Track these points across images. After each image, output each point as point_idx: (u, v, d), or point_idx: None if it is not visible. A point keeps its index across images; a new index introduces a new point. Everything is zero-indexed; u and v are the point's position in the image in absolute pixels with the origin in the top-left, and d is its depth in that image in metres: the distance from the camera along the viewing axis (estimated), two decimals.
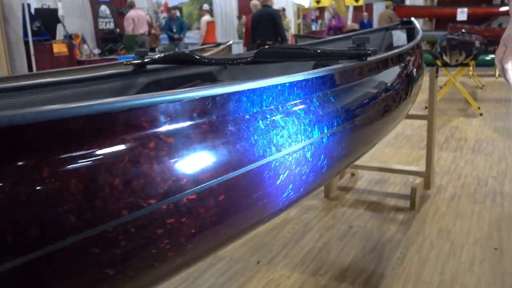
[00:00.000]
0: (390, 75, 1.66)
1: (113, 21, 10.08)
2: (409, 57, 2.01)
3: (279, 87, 0.84)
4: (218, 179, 0.69)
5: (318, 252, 2.09)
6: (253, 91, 0.78)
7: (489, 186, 2.82)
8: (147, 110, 0.62)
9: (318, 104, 0.95)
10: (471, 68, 6.54)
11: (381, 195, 2.75)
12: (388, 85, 1.61)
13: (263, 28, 6.65)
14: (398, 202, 2.63)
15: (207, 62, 1.43)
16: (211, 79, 1.86)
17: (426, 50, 6.70)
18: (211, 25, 10.30)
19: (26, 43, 6.01)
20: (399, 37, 3.02)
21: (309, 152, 0.91)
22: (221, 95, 0.75)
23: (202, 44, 10.01)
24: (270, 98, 0.81)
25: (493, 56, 8.14)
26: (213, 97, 0.72)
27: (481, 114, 4.93)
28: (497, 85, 7.18)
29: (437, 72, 2.57)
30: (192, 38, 12.41)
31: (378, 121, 1.44)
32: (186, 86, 1.73)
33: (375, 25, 12.68)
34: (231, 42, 4.04)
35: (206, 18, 10.20)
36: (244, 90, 0.76)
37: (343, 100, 1.08)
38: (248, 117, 0.77)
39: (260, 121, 0.79)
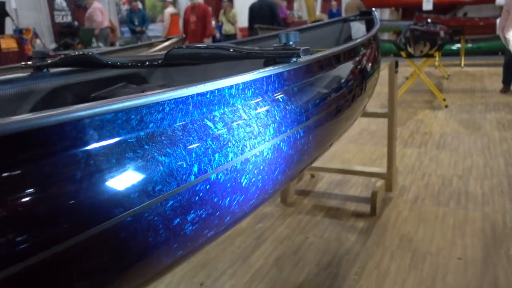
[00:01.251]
0: (339, 72, 1.49)
1: (70, 14, 9.63)
2: (362, 51, 1.84)
3: (193, 98, 0.67)
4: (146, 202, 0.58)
5: (269, 269, 1.89)
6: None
7: (453, 186, 2.68)
8: (61, 128, 0.51)
9: (243, 114, 0.78)
10: (437, 58, 6.46)
11: (341, 198, 2.58)
12: (337, 83, 1.44)
13: (262, 18, 7.24)
14: (359, 206, 2.46)
15: (110, 65, 1.21)
16: (138, 82, 1.63)
17: (390, 40, 6.58)
18: (175, 17, 9.97)
19: None
20: (358, 28, 2.84)
21: (248, 167, 0.78)
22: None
23: (165, 37, 9.69)
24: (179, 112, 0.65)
25: (459, 45, 8.12)
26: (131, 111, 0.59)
27: (446, 106, 4.83)
28: (463, 75, 7.15)
29: (396, 66, 2.39)
30: (156, 30, 12.03)
31: (328, 123, 1.28)
32: (106, 91, 1.50)
33: (345, 14, 12.56)
34: (182, 36, 3.78)
35: (170, 10, 9.86)
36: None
37: (280, 106, 0.89)
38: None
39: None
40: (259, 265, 1.92)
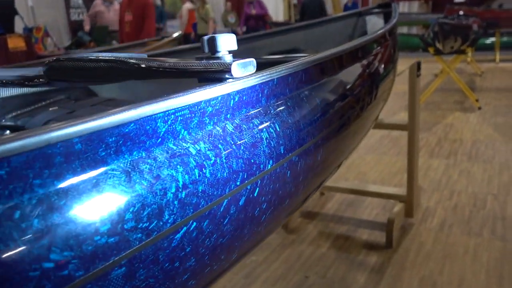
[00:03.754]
0: (340, 79, 1.17)
1: (86, 11, 9.46)
2: (373, 51, 1.48)
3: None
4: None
5: None
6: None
7: (487, 208, 2.27)
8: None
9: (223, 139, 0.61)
10: (469, 53, 5.95)
11: (353, 224, 2.20)
12: (338, 94, 1.13)
13: (312, 13, 8.07)
14: (373, 235, 2.08)
15: None
16: (84, 95, 1.30)
17: (417, 35, 6.12)
18: (193, 13, 9.69)
19: None
20: (375, 23, 2.44)
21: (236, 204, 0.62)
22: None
23: (184, 34, 9.41)
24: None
25: (493, 39, 7.53)
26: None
27: (479, 108, 4.36)
28: (498, 71, 6.60)
29: (419, 68, 2.00)
30: (176, 27, 11.80)
31: (330, 143, 1.03)
32: (36, 108, 1.18)
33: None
34: (178, 33, 3.45)
35: (188, 5, 9.60)
36: None
37: (268, 130, 0.70)
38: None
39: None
40: None
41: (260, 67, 1.71)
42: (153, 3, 4.91)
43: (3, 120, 1.08)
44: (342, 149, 1.31)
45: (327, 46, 2.30)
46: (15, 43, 5.82)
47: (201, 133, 0.55)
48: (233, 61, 0.61)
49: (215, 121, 0.58)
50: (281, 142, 0.68)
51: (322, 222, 2.24)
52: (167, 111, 0.50)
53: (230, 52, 0.63)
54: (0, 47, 5.76)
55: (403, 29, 9.68)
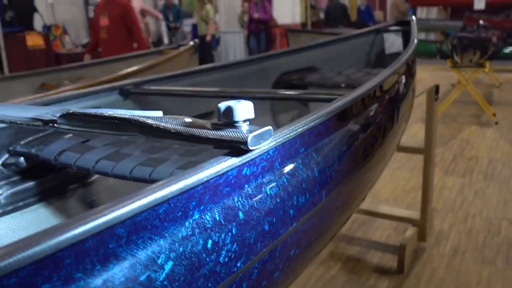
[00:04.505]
0: (361, 120, 1.16)
1: None
2: (396, 81, 1.46)
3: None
4: None
5: None
6: None
7: (502, 234, 2.23)
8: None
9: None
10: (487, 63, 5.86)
11: (364, 245, 2.18)
12: (359, 136, 1.12)
13: (336, 18, 9.05)
14: (384, 258, 2.05)
15: None
16: None
17: (434, 41, 6.05)
18: None
19: None
20: (393, 42, 2.41)
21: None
22: None
23: (197, 36, 9.39)
24: None
25: None
26: None
27: (496, 123, 4.29)
28: None
29: (437, 92, 1.97)
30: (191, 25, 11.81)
31: (352, 186, 1.02)
32: (49, 134, 1.18)
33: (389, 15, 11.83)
34: (193, 42, 3.44)
35: None
36: None
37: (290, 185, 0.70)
38: None
39: None
40: None
41: (276, 102, 1.69)
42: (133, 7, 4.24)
43: (17, 147, 1.08)
44: (366, 184, 1.29)
45: (344, 63, 2.28)
46: (34, 40, 5.88)
47: (214, 209, 0.54)
48: (250, 132, 0.59)
49: (229, 192, 0.57)
50: (295, 204, 0.67)
51: (333, 241, 2.22)
52: (183, 192, 0.49)
53: (246, 120, 0.61)
54: (19, 44, 5.83)
55: (421, 35, 9.57)
